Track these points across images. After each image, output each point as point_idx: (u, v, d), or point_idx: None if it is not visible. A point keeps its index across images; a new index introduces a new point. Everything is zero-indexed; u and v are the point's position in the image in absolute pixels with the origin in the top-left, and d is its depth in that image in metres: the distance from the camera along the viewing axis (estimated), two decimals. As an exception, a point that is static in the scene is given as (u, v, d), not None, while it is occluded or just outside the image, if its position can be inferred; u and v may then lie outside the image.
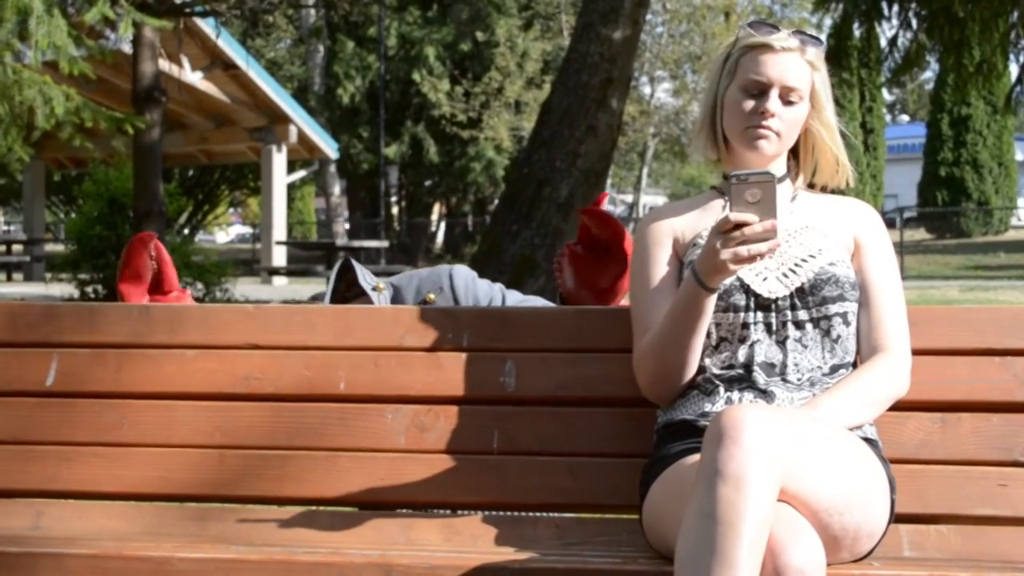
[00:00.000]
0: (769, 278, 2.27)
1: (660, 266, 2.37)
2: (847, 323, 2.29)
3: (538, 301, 2.91)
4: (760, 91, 2.30)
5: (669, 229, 2.39)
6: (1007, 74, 15.13)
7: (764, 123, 2.29)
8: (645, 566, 2.10)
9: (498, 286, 2.96)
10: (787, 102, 2.31)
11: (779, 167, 2.38)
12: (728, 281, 2.25)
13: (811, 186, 2.46)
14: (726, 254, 2.06)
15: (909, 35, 9.97)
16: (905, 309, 2.35)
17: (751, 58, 2.31)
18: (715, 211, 2.38)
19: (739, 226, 2.04)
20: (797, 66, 2.30)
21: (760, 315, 2.26)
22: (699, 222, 2.38)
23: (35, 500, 2.59)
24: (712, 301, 2.19)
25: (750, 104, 2.31)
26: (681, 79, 32.89)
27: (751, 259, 2.06)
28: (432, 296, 2.90)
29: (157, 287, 2.90)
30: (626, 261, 2.68)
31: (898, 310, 2.33)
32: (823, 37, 2.28)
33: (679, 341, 2.23)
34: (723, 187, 2.41)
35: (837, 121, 2.40)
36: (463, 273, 2.95)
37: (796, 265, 2.28)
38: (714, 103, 2.38)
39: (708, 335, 2.27)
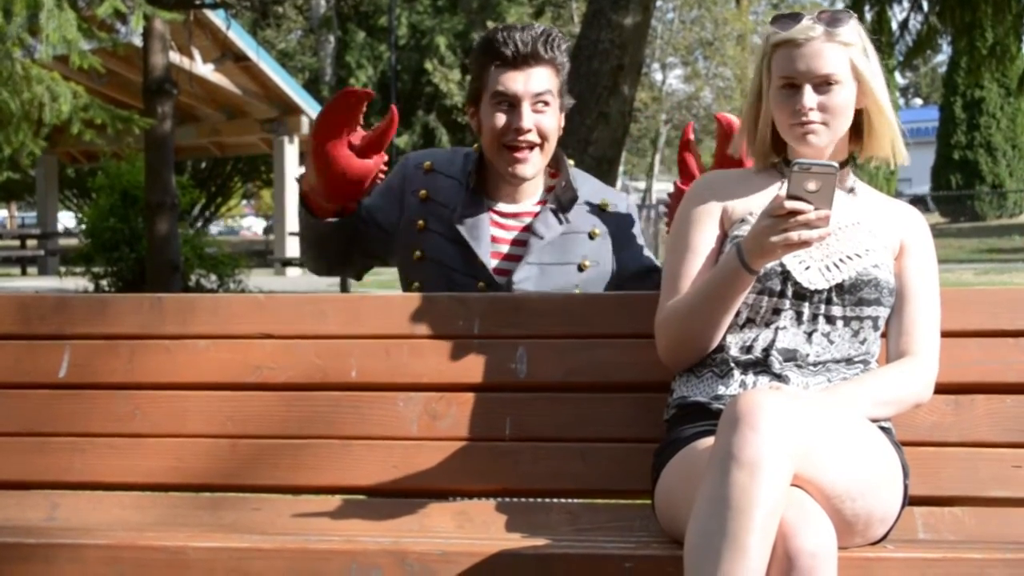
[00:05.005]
0: (812, 268, 2.25)
1: (704, 233, 2.35)
2: (876, 328, 2.29)
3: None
4: (794, 88, 2.27)
5: (721, 199, 2.37)
6: (1020, 56, 15.04)
7: (805, 119, 2.26)
8: (658, 551, 2.10)
9: (643, 242, 2.95)
10: (825, 89, 2.26)
11: (837, 154, 2.33)
12: (769, 264, 2.23)
13: (852, 160, 2.42)
14: (776, 238, 2.06)
15: (920, 18, 9.91)
16: (939, 320, 2.33)
17: (780, 56, 2.28)
18: (770, 192, 2.35)
19: (793, 212, 2.04)
20: (825, 52, 2.25)
21: (793, 303, 2.25)
22: (752, 200, 2.35)
23: (50, 491, 2.60)
24: (751, 282, 2.19)
25: (789, 103, 2.27)
26: (693, 65, 32.85)
27: (800, 245, 2.06)
28: (608, 204, 2.88)
29: (360, 149, 2.62)
30: None
31: (932, 319, 2.32)
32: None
33: (708, 314, 2.23)
34: (783, 170, 2.37)
35: (888, 96, 2.34)
36: (635, 210, 2.95)
37: (841, 260, 2.26)
38: (757, 103, 2.37)
39: (737, 313, 2.26)
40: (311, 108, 21.29)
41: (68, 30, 6.89)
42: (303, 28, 32.60)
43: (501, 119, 2.75)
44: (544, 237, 2.79)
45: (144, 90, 9.82)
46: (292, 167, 21.58)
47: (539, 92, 2.75)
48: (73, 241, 19.87)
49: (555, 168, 2.89)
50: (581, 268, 2.82)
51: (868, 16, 9.82)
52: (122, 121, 8.15)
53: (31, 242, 24.44)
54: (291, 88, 20.68)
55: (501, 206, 2.85)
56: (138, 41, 10.37)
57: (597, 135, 8.51)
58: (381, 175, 2.71)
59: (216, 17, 16.11)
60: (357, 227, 2.81)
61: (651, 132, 34.18)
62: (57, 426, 2.63)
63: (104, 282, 12.50)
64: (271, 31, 31.04)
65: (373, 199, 2.86)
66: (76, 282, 13.15)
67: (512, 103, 2.74)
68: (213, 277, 12.56)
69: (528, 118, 2.74)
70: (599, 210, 2.87)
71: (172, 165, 9.86)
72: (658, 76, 33.27)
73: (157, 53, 9.72)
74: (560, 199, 2.83)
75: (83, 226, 13.03)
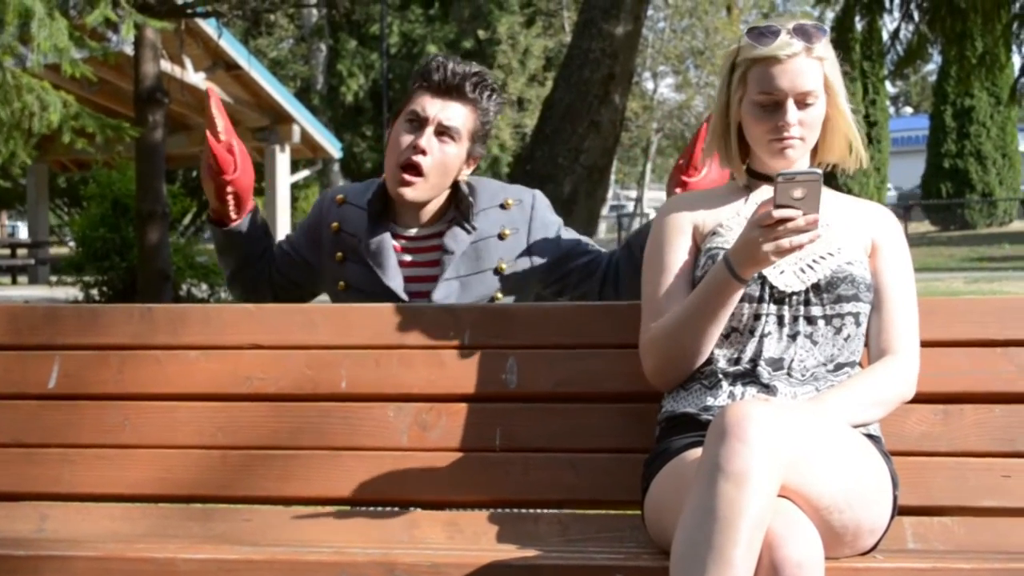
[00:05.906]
0: (786, 271, 2.27)
1: (678, 252, 2.37)
2: (858, 324, 2.29)
3: (589, 242, 2.92)
4: (775, 104, 2.29)
5: (690, 217, 2.39)
6: (1010, 65, 15.10)
7: (786, 134, 2.29)
8: (648, 562, 2.10)
9: (560, 222, 2.94)
10: (804, 105, 2.29)
11: (803, 163, 2.36)
12: None
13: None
14: (768, 247, 2.08)
15: (911, 27, 9.94)
16: (917, 314, 2.34)
17: (759, 72, 2.29)
18: (736, 203, 2.39)
19: (782, 221, 2.06)
20: (806, 69, 2.27)
21: (773, 307, 2.26)
22: (720, 212, 2.38)
23: (39, 503, 2.60)
24: (740, 292, 2.20)
25: (768, 119, 2.29)
26: (683, 74, 32.93)
27: (792, 251, 2.09)
28: (511, 202, 2.87)
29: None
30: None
31: (910, 315, 2.33)
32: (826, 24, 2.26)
33: (698, 328, 2.24)
34: (749, 184, 2.41)
35: (849, 103, 2.37)
36: (544, 198, 2.93)
37: (814, 261, 2.28)
38: (726, 114, 2.37)
39: None
40: (303, 117, 21.26)
41: (59, 39, 6.88)
42: (295, 37, 32.61)
43: (405, 137, 2.78)
44: (455, 251, 2.81)
45: (135, 99, 9.80)
46: (283, 176, 21.54)
47: (448, 125, 2.77)
48: (64, 250, 19.85)
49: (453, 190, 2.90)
50: (498, 271, 2.83)
51: (859, 26, 9.85)
52: (112, 129, 8.14)
53: (21, 251, 24.37)
54: (282, 97, 20.65)
55: (409, 230, 2.87)
56: (129, 50, 10.36)
57: (588, 144, 8.53)
58: (218, 157, 2.74)
59: (207, 26, 16.06)
60: (274, 258, 2.92)
61: (642, 141, 34.23)
62: (46, 437, 2.62)
63: (94, 291, 12.46)
64: (263, 40, 31.04)
65: (296, 235, 2.96)
66: (67, 291, 13.13)
67: (420, 124, 2.77)
68: (204, 286, 12.53)
69: (427, 140, 2.76)
70: (503, 209, 2.87)
71: (163, 174, 9.85)
72: (649, 85, 33.37)
73: (148, 62, 9.71)
74: (461, 209, 2.85)
75: (67, 228, 13.02)
